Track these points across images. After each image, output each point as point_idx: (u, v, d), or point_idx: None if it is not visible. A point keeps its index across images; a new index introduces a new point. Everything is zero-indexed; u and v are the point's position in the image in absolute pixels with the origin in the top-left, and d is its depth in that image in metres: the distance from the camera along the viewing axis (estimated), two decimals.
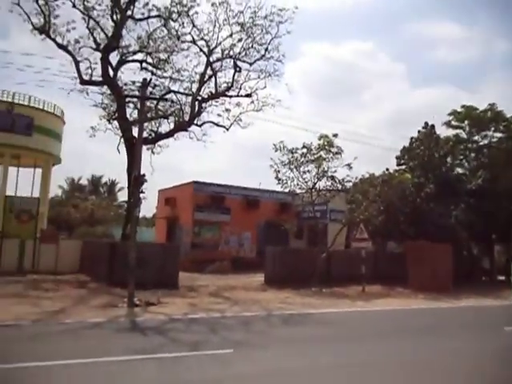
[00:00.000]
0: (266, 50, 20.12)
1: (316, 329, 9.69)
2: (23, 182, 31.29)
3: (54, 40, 18.26)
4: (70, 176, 51.17)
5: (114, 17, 18.70)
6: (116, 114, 19.89)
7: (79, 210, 41.42)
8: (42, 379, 5.53)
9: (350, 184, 19.30)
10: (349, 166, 18.25)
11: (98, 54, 18.68)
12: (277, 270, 17.72)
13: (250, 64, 20.49)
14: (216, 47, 20.25)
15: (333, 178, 18.59)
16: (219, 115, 20.85)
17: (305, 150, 18.33)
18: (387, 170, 22.63)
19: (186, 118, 20.50)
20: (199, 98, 20.35)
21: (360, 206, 18.94)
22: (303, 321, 10.65)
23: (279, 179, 18.49)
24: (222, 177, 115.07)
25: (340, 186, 19.06)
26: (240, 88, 20.68)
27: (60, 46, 18.39)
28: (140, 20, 19.39)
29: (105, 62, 18.58)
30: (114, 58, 19.19)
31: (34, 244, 16.95)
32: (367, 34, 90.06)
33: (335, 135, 18.44)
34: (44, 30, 18.03)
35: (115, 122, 20.18)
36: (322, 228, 23.70)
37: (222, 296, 13.92)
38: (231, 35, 20.05)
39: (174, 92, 20.11)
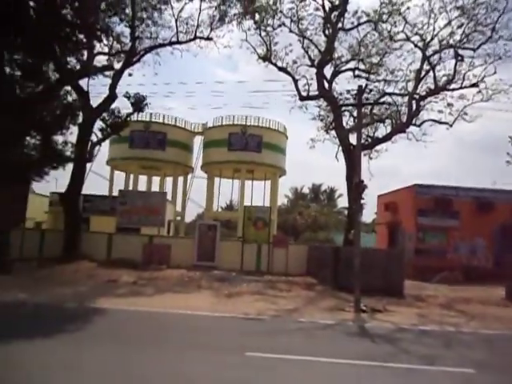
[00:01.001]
0: (493, 29, 17.76)
1: None
2: (255, 194, 35.34)
3: (275, 64, 20.32)
4: (293, 186, 55.63)
5: (326, 32, 19.60)
6: (333, 124, 20.69)
7: (303, 217, 44.41)
8: (283, 370, 6.10)
9: None
10: None
11: (313, 70, 19.88)
12: None
13: (474, 50, 18.42)
14: (432, 39, 18.97)
15: None
16: (440, 111, 19.37)
17: None
18: None
19: (404, 119, 19.74)
20: (416, 96, 19.35)
21: None
22: None
23: None
24: (443, 178, 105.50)
25: None
26: (463, 78, 18.80)
27: (280, 69, 20.33)
28: (350, 29, 19.79)
29: (320, 76, 19.60)
30: (327, 71, 20.10)
31: (268, 248, 19.07)
32: None
33: None
34: (267, 57, 20.29)
35: (333, 132, 21.01)
36: None
37: (454, 309, 12.68)
38: (449, 23, 18.47)
39: (390, 94, 19.69)
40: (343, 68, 20.67)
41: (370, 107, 19.61)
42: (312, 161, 75.04)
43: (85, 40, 18.69)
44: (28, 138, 19.77)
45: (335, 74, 20.30)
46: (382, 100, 19.40)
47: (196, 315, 9.66)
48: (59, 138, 21.15)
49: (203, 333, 8.18)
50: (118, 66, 20.64)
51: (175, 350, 6.76)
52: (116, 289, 12.96)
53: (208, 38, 21.16)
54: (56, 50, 18.16)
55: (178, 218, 36.16)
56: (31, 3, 17.01)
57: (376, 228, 31.67)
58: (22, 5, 15.98)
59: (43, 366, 5.59)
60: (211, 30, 20.94)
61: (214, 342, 7.46)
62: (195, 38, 21.01)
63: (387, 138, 20.40)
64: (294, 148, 73.38)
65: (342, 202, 51.22)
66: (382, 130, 21.06)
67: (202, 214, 41.69)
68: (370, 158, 21.44)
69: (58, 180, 26.60)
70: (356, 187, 12.89)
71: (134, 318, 9.28)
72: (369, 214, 45.12)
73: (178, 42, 20.96)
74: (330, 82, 20.01)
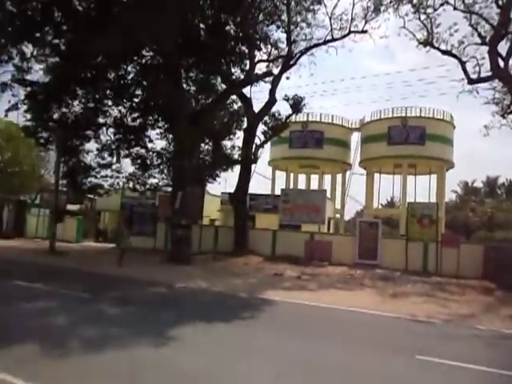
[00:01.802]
0: None
1: None
2: (419, 189, 33.10)
3: (437, 48, 18.71)
4: (463, 180, 50.39)
5: (499, 1, 17.22)
6: (511, 108, 18.12)
7: (477, 214, 39.92)
8: (459, 379, 5.64)
9: None
10: None
11: (485, 49, 17.68)
12: None
13: None
14: None
15: None
16: None
17: None
18: None
19: None
20: None
21: None
22: None
23: None
24: None
25: None
26: None
27: (444, 52, 18.63)
28: None
29: (493, 54, 17.32)
30: (502, 47, 17.63)
31: (435, 247, 17.69)
32: None
33: None
34: (428, 41, 18.82)
35: (511, 116, 18.40)
36: None
37: None
38: None
39: None
40: None
41: None
42: (486, 151, 66.77)
43: (247, 51, 20.22)
44: (202, 145, 22.31)
45: None
46: None
47: (361, 312, 9.58)
48: (227, 143, 23.39)
49: (369, 330, 8.09)
50: (276, 71, 21.76)
51: (343, 344, 6.85)
52: (282, 282, 13.68)
53: (363, 31, 20.72)
54: (222, 64, 20.09)
55: (338, 215, 36.19)
56: (201, 25, 19.16)
57: None
58: (193, 28, 18.11)
59: (229, 349, 6.30)
60: (365, 22, 20.47)
61: (382, 341, 7.31)
62: (350, 32, 20.80)
63: None
64: (462, 138, 66.37)
65: None
66: None
67: (362, 212, 40.91)
68: None
69: (227, 181, 29.33)
70: None
71: (301, 310, 9.69)
72: None
73: (333, 40, 21.03)
74: (506, 60, 17.51)
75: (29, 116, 20.45)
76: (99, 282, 12.39)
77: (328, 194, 28.16)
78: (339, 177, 37.47)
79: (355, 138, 35.48)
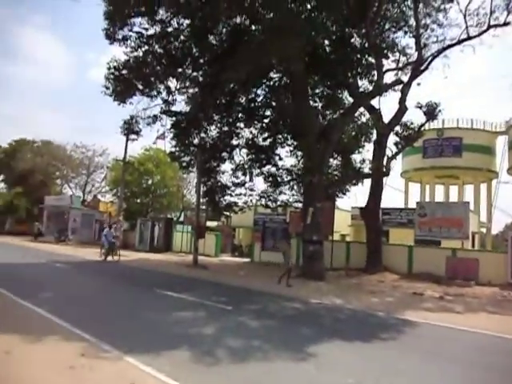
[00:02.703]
0: None
1: None
2: None
3: None
4: None
5: None
6: None
7: None
8: None
9: None
10: None
11: None
12: None
13: None
14: None
15: None
16: None
17: None
18: None
19: None
20: None
21: None
22: None
23: None
24: None
25: None
26: None
27: None
28: None
29: None
30: None
31: None
32: None
33: None
34: None
35: None
36: None
37: None
38: None
39: None
40: None
41: None
42: None
43: (374, 61, 19.74)
44: (331, 160, 22.26)
45: None
46: None
47: None
48: (357, 157, 22.93)
49: None
50: (405, 78, 20.76)
51: (503, 376, 6.09)
52: (422, 302, 12.76)
53: (505, 24, 18.60)
54: (349, 77, 19.92)
55: (483, 229, 32.55)
56: (326, 41, 19.34)
57: None
58: (318, 45, 18.37)
59: (370, 369, 6.09)
60: (508, 13, 18.35)
61: None
62: (489, 27, 18.84)
63: None
64: None
65: None
66: None
67: None
68: None
69: (357, 195, 28.64)
70: None
71: (448, 334, 8.86)
72: None
73: (469, 38, 19.29)
74: None
75: (174, 142, 22.91)
76: (239, 294, 13.10)
77: (471, 206, 25.57)
78: (483, 186, 33.78)
79: (502, 143, 31.80)
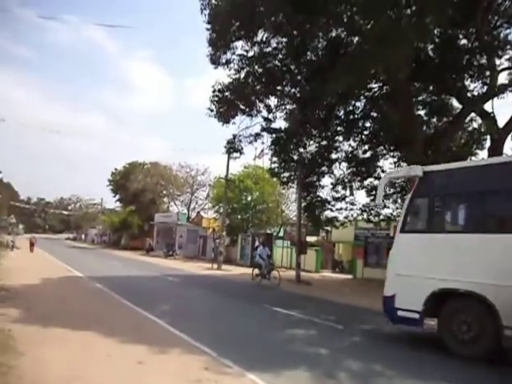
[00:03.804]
0: None
1: None
2: None
3: None
4: None
5: None
6: None
7: None
8: None
9: None
10: None
11: None
12: None
13: None
14: None
15: None
16: None
17: None
18: None
19: None
20: None
21: None
22: None
23: None
24: None
25: None
26: None
27: None
28: None
29: None
30: None
31: None
32: None
33: None
34: None
35: None
36: None
37: None
38: None
39: None
40: None
41: None
42: None
43: (485, 61, 18.19)
44: None
45: None
46: None
47: None
48: None
49: None
50: None
51: None
52: None
53: None
54: (457, 81, 18.56)
55: None
56: (428, 45, 18.27)
57: None
58: (422, 50, 17.43)
59: None
60: None
61: None
62: None
63: None
64: None
65: None
66: None
67: None
68: None
69: None
70: None
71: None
72: None
73: None
74: None
75: (273, 159, 23.24)
76: (347, 313, 12.69)
77: None
78: None
79: None
